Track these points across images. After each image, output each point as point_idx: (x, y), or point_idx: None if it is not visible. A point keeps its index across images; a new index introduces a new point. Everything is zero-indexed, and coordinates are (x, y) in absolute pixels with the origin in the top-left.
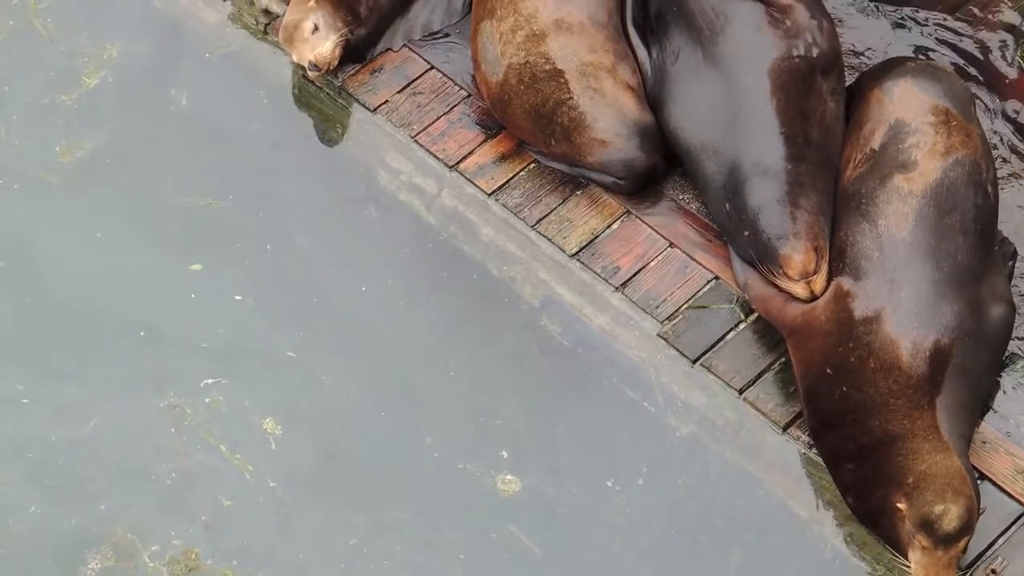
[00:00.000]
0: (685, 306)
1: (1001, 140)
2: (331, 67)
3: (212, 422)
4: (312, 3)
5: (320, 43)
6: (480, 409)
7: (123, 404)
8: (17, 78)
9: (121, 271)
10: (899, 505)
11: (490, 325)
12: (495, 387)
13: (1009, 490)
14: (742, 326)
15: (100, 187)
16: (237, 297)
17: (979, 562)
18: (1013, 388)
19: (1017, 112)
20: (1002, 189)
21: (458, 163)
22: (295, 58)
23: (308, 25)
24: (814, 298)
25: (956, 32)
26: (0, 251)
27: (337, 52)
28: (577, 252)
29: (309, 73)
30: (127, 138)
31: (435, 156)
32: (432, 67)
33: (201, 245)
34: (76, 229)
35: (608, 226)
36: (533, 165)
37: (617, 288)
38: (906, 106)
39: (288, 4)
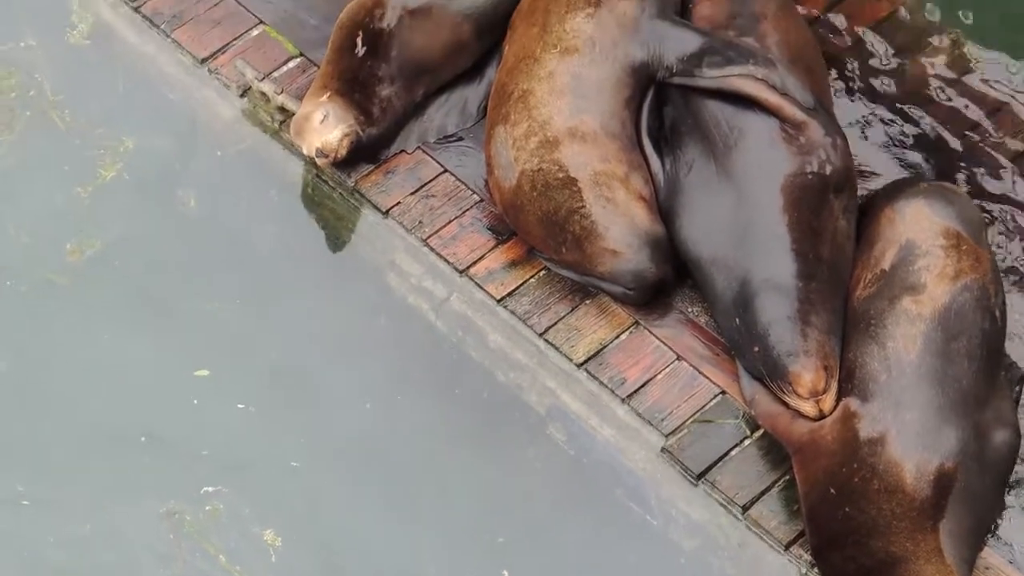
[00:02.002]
0: (691, 420)
1: None
2: (338, 156)
3: (211, 531)
4: (324, 98)
5: (328, 131)
6: (483, 525)
7: (122, 509)
8: (32, 172)
9: (126, 374)
10: None
11: (495, 435)
12: (498, 502)
13: None
14: (747, 442)
15: (108, 288)
16: (240, 405)
17: None
18: (1017, 513)
19: None
20: None
21: (468, 268)
22: (304, 149)
23: (318, 115)
24: (822, 417)
25: None
26: (3, 352)
27: (345, 143)
28: (584, 361)
29: (317, 161)
30: (137, 238)
31: (445, 260)
32: (445, 170)
33: (207, 350)
34: (82, 330)
35: (616, 336)
36: (543, 272)
37: (624, 399)
38: (918, 227)
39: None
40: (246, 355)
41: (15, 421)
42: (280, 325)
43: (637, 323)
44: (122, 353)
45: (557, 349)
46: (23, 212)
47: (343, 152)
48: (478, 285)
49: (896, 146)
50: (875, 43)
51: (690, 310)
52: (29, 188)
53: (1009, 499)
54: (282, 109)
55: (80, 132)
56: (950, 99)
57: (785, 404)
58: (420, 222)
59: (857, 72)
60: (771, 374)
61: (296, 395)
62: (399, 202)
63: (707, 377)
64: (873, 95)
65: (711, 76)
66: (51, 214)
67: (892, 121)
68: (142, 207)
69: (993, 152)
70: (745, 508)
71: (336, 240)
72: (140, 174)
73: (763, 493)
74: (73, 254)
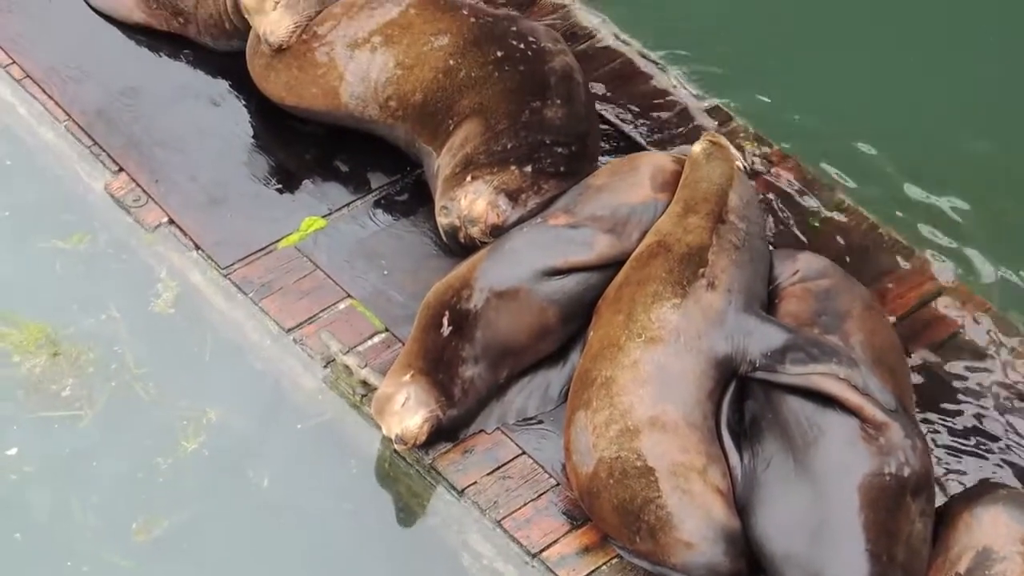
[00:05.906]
0: None
1: None
2: (418, 442)
3: None
4: (407, 378)
5: (409, 417)
6: None
7: None
8: (111, 447)
9: None
10: None
11: None
12: None
13: None
14: None
15: (175, 573)
16: None
17: None
18: None
19: None
20: None
21: (541, 551)
22: (384, 430)
23: (400, 398)
24: None
25: None
26: None
27: (425, 428)
28: None
29: (396, 446)
30: (208, 518)
31: (518, 542)
32: (523, 452)
33: None
34: None
35: None
36: (616, 560)
37: None
38: (995, 533)
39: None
40: None
41: None
42: None
43: None
44: None
45: None
46: (94, 489)
47: (423, 438)
48: (550, 569)
49: (976, 451)
50: (958, 346)
51: None
52: (106, 463)
53: None
54: (364, 383)
55: (165, 404)
56: None
57: None
58: (495, 503)
59: (940, 375)
60: None
61: None
62: (475, 482)
63: None
64: (955, 398)
65: (794, 373)
66: (124, 490)
67: (973, 426)
68: (216, 485)
69: None
70: None
71: (410, 518)
72: (218, 448)
73: None
74: (139, 534)
